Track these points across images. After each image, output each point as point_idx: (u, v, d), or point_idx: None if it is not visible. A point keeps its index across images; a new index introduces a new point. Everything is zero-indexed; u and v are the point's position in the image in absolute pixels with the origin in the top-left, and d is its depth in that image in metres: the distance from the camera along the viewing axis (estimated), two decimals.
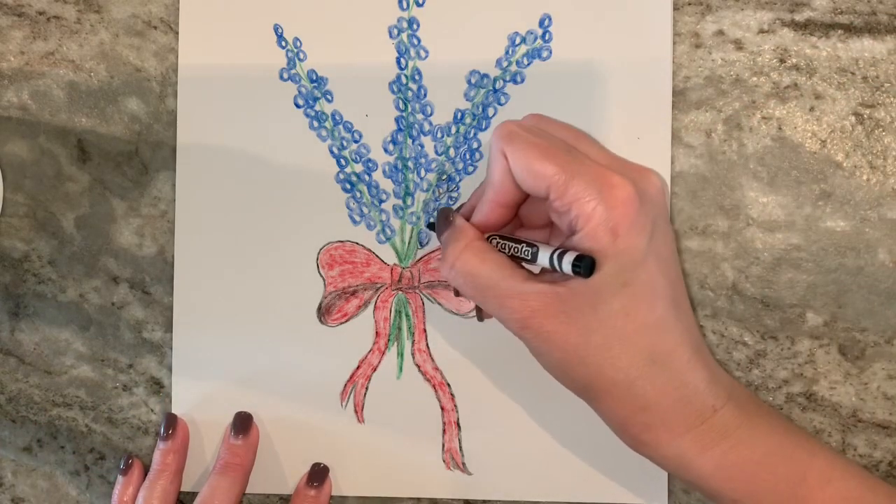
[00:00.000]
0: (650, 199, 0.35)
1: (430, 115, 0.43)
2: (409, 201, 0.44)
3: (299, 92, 0.44)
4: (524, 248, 0.36)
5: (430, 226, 0.42)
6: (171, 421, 0.44)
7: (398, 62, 0.43)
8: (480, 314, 0.42)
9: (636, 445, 0.36)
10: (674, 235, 0.37)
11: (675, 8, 0.42)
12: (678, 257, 0.37)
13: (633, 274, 0.34)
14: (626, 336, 0.34)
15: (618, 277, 0.34)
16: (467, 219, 0.38)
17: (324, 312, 0.44)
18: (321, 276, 0.44)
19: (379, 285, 0.44)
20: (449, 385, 0.44)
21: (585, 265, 0.33)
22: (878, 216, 0.42)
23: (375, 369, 0.44)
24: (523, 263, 0.37)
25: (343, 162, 0.44)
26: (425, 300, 0.44)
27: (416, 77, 0.43)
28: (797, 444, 0.36)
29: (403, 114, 0.43)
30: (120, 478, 0.44)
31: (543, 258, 0.35)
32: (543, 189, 0.34)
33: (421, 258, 0.44)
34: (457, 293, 0.41)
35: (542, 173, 0.34)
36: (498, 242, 0.37)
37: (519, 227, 0.40)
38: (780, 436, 0.36)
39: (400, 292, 0.44)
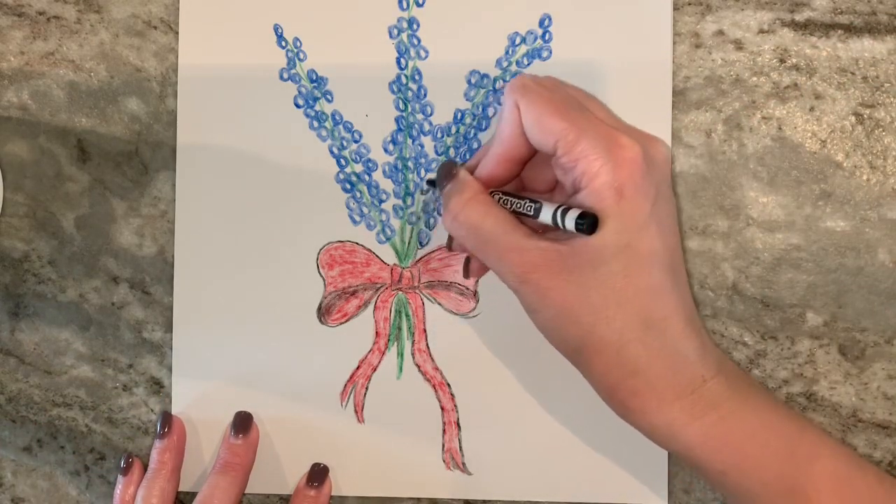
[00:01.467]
0: (656, 165, 0.35)
1: (430, 115, 0.43)
2: (409, 201, 0.44)
3: (299, 92, 0.44)
4: (527, 204, 0.36)
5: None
6: (167, 419, 0.44)
7: (398, 62, 0.43)
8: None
9: (624, 412, 0.36)
10: (676, 205, 0.37)
11: (675, 8, 0.42)
12: (679, 228, 0.37)
13: (636, 236, 0.34)
14: (625, 298, 0.34)
15: (620, 238, 0.34)
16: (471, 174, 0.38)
17: (324, 312, 0.44)
18: (321, 276, 0.44)
19: (379, 285, 0.44)
20: (449, 385, 0.44)
21: (589, 222, 0.33)
22: (878, 216, 0.42)
23: (375, 369, 0.44)
24: (526, 221, 0.37)
25: (343, 162, 0.44)
26: (425, 300, 0.44)
27: (416, 77, 0.43)
28: (786, 420, 0.36)
29: (403, 114, 0.43)
30: (120, 478, 0.44)
31: (546, 215, 0.35)
32: (552, 144, 0.35)
33: (421, 258, 0.44)
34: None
35: (553, 128, 0.34)
36: (500, 198, 0.37)
37: (521, 190, 0.40)
38: (770, 411, 0.36)
39: (400, 292, 0.44)
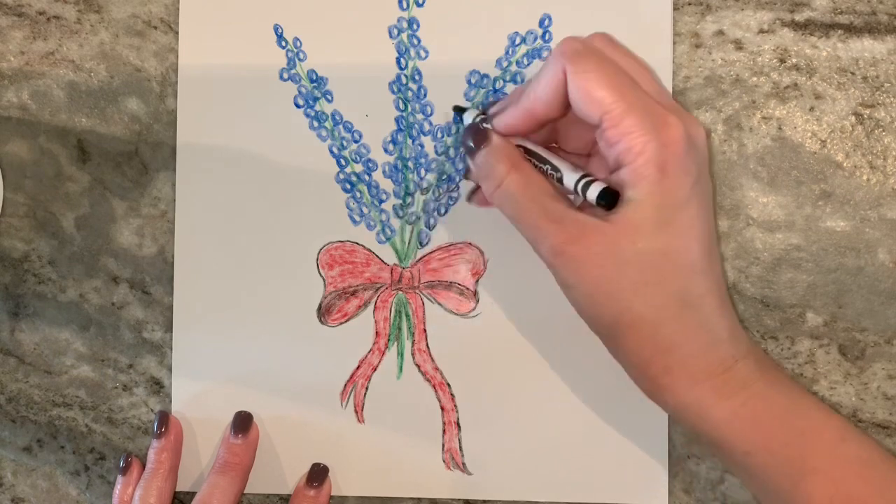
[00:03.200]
0: (697, 146, 0.35)
1: (430, 115, 0.43)
2: (409, 201, 0.44)
3: (299, 92, 0.44)
4: (549, 169, 0.36)
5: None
6: (164, 419, 0.44)
7: (398, 62, 0.43)
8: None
9: (653, 389, 0.36)
10: (713, 187, 0.37)
11: (675, 8, 0.42)
12: (715, 209, 0.37)
13: (677, 214, 0.34)
14: (664, 275, 0.34)
15: (661, 215, 0.34)
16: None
17: (324, 312, 0.44)
18: (321, 276, 0.44)
19: (379, 285, 0.44)
20: (449, 385, 0.44)
21: (610, 198, 0.34)
22: (878, 216, 0.42)
23: (375, 369, 0.44)
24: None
25: (343, 162, 0.44)
26: (425, 300, 0.44)
27: (416, 77, 0.43)
28: (812, 404, 0.36)
29: (403, 114, 0.43)
30: (120, 477, 0.44)
31: (569, 181, 0.35)
32: (598, 116, 0.34)
33: (421, 258, 0.44)
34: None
35: (601, 100, 0.34)
36: (523, 153, 0.37)
37: (553, 143, 0.39)
38: (797, 394, 0.36)
39: (400, 292, 0.44)
